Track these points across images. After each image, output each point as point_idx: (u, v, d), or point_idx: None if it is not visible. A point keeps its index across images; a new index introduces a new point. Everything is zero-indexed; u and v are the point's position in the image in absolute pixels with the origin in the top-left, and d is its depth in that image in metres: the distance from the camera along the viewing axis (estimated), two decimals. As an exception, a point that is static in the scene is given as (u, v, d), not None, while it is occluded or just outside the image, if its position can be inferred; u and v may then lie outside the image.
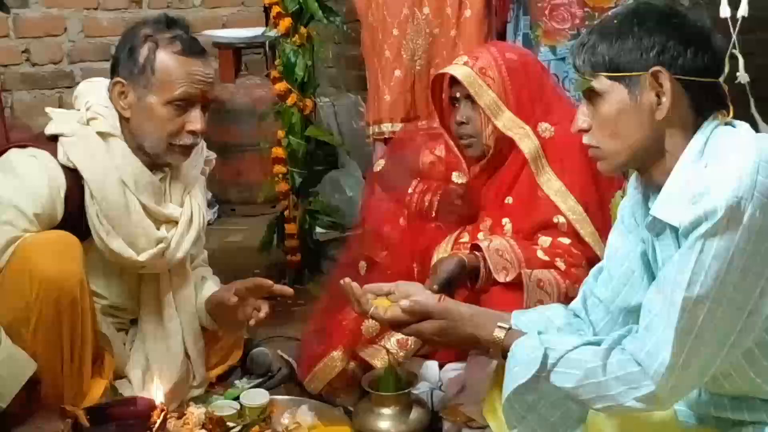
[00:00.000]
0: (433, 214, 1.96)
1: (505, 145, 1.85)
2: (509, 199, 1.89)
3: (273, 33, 2.56)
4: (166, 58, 1.61)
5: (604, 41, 1.17)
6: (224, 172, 3.30)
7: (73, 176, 1.62)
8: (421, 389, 1.82)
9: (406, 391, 1.72)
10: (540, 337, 1.21)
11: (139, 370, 1.76)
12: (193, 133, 1.66)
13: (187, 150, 1.69)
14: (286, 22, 2.50)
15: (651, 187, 1.22)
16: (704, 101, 1.14)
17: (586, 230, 1.81)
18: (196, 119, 1.64)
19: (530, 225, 1.84)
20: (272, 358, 2.02)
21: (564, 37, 2.34)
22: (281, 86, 2.55)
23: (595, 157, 1.24)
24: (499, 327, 1.29)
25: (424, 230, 1.96)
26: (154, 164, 1.69)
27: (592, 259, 1.71)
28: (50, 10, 3.46)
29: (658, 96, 1.14)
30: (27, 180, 1.58)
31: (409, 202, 2.00)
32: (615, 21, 1.18)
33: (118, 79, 1.64)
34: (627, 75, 1.15)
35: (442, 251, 1.86)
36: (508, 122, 1.83)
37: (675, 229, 1.12)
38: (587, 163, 1.82)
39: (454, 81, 1.88)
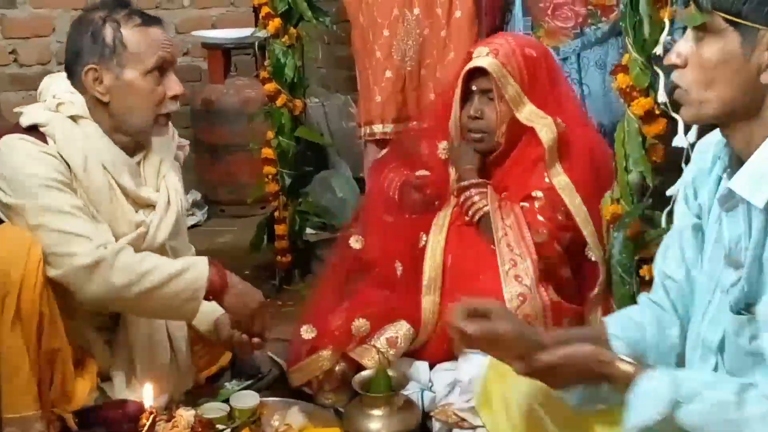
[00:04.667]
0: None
1: (514, 142, 1.88)
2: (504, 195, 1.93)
3: (262, 33, 2.56)
4: (132, 33, 1.65)
5: None
6: (214, 173, 3.30)
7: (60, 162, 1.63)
8: (411, 390, 1.82)
9: (397, 392, 1.71)
10: (671, 374, 1.09)
11: (122, 371, 1.75)
12: (175, 98, 1.70)
13: (168, 118, 1.73)
14: (275, 23, 2.49)
15: (727, 155, 1.12)
16: None
17: (588, 230, 1.85)
18: (175, 84, 1.69)
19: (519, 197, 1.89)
20: (262, 359, 2.01)
21: (567, 37, 2.34)
22: (271, 87, 2.54)
23: (680, 100, 1.12)
24: (626, 362, 1.14)
25: (404, 224, 1.98)
26: (129, 147, 1.71)
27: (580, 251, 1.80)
28: (38, 10, 3.44)
29: None
30: (36, 153, 1.60)
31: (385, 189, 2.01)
32: None
33: (90, 66, 1.65)
34: (748, 24, 1.03)
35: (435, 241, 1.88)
36: (530, 114, 1.87)
37: (750, 208, 1.05)
38: (592, 164, 1.87)
39: (472, 74, 1.87)
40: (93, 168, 1.63)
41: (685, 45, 1.09)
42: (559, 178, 1.86)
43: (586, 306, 1.88)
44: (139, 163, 1.74)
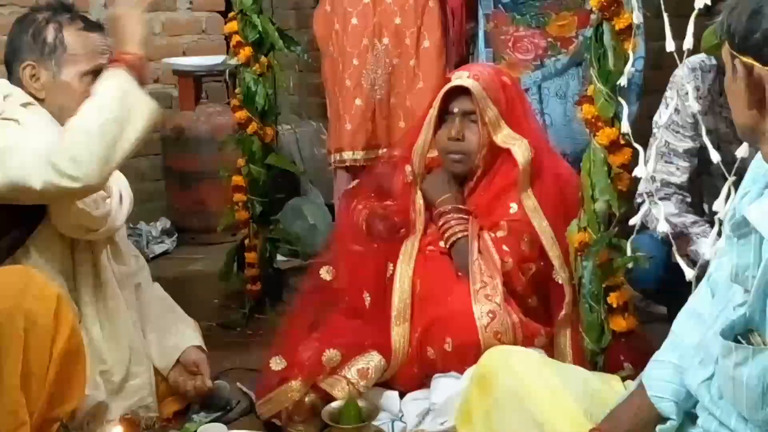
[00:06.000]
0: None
1: (489, 167, 1.93)
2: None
3: (233, 61, 2.56)
4: (73, 35, 1.69)
5: None
6: (184, 200, 3.27)
7: None
8: (381, 420, 1.81)
9: (367, 423, 1.70)
10: None
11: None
12: None
13: None
14: (246, 52, 2.49)
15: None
16: None
17: (554, 253, 1.87)
18: None
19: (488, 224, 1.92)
20: (231, 390, 1.98)
21: (528, 68, 2.39)
22: (241, 115, 2.54)
23: None
24: None
25: (372, 254, 1.98)
26: None
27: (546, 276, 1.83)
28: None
29: None
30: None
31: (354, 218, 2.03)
32: None
33: (29, 62, 1.68)
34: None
35: (405, 264, 1.90)
36: (506, 137, 1.91)
37: (762, 238, 1.05)
38: (559, 188, 1.91)
39: (452, 96, 1.90)
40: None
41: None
42: (528, 201, 1.89)
43: (554, 327, 1.90)
44: None
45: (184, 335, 1.91)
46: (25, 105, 1.66)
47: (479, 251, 1.87)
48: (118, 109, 1.57)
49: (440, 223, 1.94)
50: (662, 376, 1.27)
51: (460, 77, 1.93)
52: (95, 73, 1.69)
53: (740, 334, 1.09)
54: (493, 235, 1.90)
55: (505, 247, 1.88)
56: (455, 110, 1.94)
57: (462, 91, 1.93)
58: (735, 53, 1.06)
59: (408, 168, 2.03)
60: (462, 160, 1.94)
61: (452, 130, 1.93)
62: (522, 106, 2.01)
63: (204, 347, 1.94)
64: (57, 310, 1.50)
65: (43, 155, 1.52)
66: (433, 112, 1.96)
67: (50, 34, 1.68)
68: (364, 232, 2.01)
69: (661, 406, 1.24)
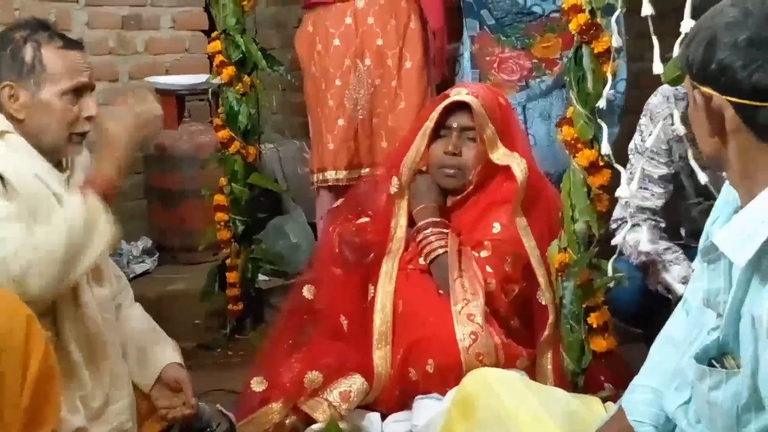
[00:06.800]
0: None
1: (480, 185, 1.94)
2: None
3: (216, 81, 2.57)
4: (52, 54, 1.67)
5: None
6: (165, 219, 3.24)
7: None
8: (363, 442, 1.80)
9: (348, 446, 1.69)
10: None
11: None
12: (89, 118, 1.70)
13: (83, 137, 1.73)
14: (229, 71, 2.50)
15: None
16: None
17: (540, 271, 1.87)
18: (91, 105, 1.70)
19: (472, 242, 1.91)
20: (211, 413, 1.96)
21: (513, 89, 2.41)
22: (224, 134, 2.54)
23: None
24: None
25: (352, 277, 1.97)
26: (51, 163, 1.70)
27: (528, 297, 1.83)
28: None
29: None
30: None
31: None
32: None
33: (7, 82, 1.66)
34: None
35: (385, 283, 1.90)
36: (502, 155, 1.92)
37: (732, 263, 1.05)
38: (546, 208, 1.90)
39: (449, 111, 1.90)
40: (30, 180, 1.62)
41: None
42: (520, 220, 1.90)
43: (536, 348, 1.90)
44: (66, 179, 1.73)
45: (165, 352, 1.89)
46: (1, 134, 1.63)
47: (460, 268, 1.86)
48: (83, 233, 1.55)
49: (419, 239, 1.94)
50: (641, 401, 1.28)
51: (459, 93, 1.93)
52: (75, 91, 1.68)
53: (714, 358, 1.10)
54: (476, 254, 1.90)
55: (488, 268, 1.87)
56: (454, 125, 1.93)
57: (459, 108, 1.93)
58: (694, 84, 1.07)
59: (395, 180, 2.01)
60: (456, 175, 1.94)
61: (449, 145, 1.92)
62: (515, 126, 2.04)
63: (183, 366, 1.91)
64: (28, 331, 1.47)
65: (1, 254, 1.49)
66: (429, 124, 1.95)
67: (28, 53, 1.66)
68: (339, 256, 2.00)
69: (641, 430, 1.25)
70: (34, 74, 1.65)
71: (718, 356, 1.09)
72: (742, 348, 1.05)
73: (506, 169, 1.93)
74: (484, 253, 1.90)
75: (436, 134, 1.97)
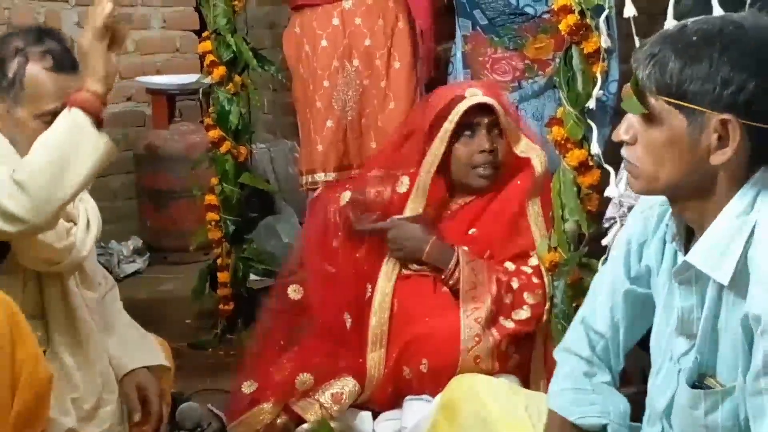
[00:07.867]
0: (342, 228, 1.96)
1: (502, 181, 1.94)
2: (473, 231, 1.93)
3: (207, 81, 2.56)
4: (36, 74, 1.60)
5: (677, 60, 1.00)
6: (156, 219, 3.25)
7: None
8: (354, 441, 1.80)
9: (339, 445, 1.69)
10: None
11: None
12: None
13: None
14: (220, 71, 2.50)
15: (675, 224, 1.11)
16: (766, 151, 1.02)
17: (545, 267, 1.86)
18: None
19: (510, 254, 1.89)
20: (202, 412, 1.95)
21: (505, 90, 2.41)
22: (215, 134, 2.53)
23: (630, 173, 1.10)
24: None
25: (348, 274, 1.95)
26: None
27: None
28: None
29: (720, 139, 1.00)
30: None
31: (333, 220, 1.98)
32: (695, 38, 1.01)
33: None
34: (693, 108, 1.00)
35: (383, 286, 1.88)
36: (524, 146, 1.93)
37: (706, 281, 1.04)
38: (547, 202, 1.90)
39: (472, 109, 1.88)
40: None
41: (633, 121, 1.06)
42: (533, 209, 1.90)
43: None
44: None
45: (135, 355, 1.84)
46: None
47: (480, 282, 1.82)
48: (67, 146, 1.50)
49: (443, 277, 1.87)
50: (572, 401, 1.27)
51: (476, 94, 1.90)
52: (54, 114, 1.58)
53: (696, 382, 1.07)
54: (515, 266, 1.87)
55: (535, 279, 1.84)
56: (485, 121, 1.89)
57: (474, 107, 1.89)
58: (686, 104, 1.02)
59: (405, 179, 1.96)
60: (490, 174, 1.91)
61: (484, 143, 1.88)
62: (519, 121, 2.05)
63: (167, 364, 1.88)
64: (13, 330, 1.46)
65: None
66: (449, 126, 1.88)
67: (13, 68, 1.60)
68: (337, 228, 1.96)
69: (589, 423, 1.24)
70: (13, 90, 1.60)
71: (698, 380, 1.07)
72: (724, 364, 1.04)
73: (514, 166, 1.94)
74: (531, 263, 1.86)
75: (456, 136, 1.91)
